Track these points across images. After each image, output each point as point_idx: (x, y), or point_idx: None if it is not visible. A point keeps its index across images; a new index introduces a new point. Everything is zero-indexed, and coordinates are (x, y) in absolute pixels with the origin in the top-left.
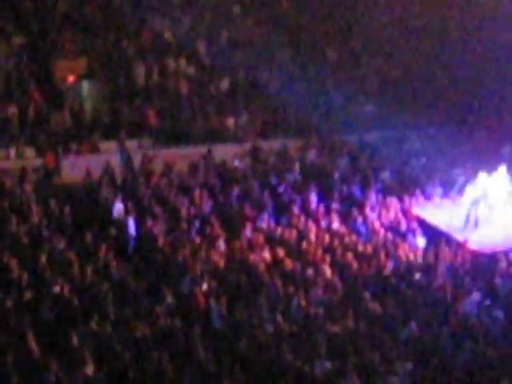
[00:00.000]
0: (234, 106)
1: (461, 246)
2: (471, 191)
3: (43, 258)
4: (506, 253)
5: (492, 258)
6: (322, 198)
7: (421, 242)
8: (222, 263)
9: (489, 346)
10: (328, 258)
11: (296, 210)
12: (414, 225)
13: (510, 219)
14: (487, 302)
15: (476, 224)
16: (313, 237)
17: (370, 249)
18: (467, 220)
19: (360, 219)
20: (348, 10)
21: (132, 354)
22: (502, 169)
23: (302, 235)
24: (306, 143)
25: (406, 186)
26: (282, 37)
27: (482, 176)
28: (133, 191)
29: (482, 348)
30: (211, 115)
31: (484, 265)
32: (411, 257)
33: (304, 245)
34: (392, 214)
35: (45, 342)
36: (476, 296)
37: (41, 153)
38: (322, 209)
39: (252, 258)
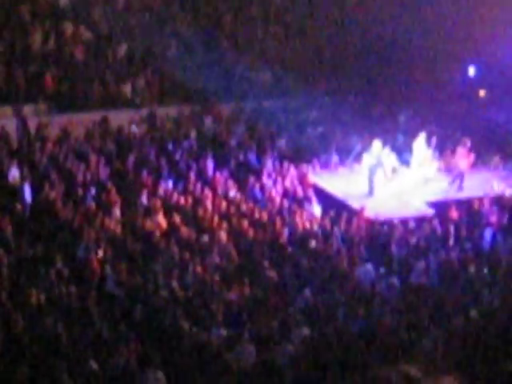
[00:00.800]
0: (131, 72)
1: (356, 213)
2: (367, 159)
3: None
4: (401, 221)
5: (387, 225)
6: (218, 165)
7: (317, 209)
8: (117, 230)
9: (384, 313)
10: (224, 225)
11: (192, 176)
12: (311, 192)
13: (405, 188)
14: (382, 270)
15: (371, 192)
16: (209, 204)
17: (266, 216)
18: (371, 187)
19: (256, 187)
20: None
21: (27, 321)
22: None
23: (199, 202)
24: (203, 110)
25: (302, 153)
26: (179, 3)
27: (377, 144)
28: (28, 157)
29: (377, 315)
30: (108, 81)
31: (379, 233)
32: (307, 224)
33: (200, 212)
34: (288, 182)
35: None
36: (370, 263)
37: None
38: (218, 176)
39: (148, 224)
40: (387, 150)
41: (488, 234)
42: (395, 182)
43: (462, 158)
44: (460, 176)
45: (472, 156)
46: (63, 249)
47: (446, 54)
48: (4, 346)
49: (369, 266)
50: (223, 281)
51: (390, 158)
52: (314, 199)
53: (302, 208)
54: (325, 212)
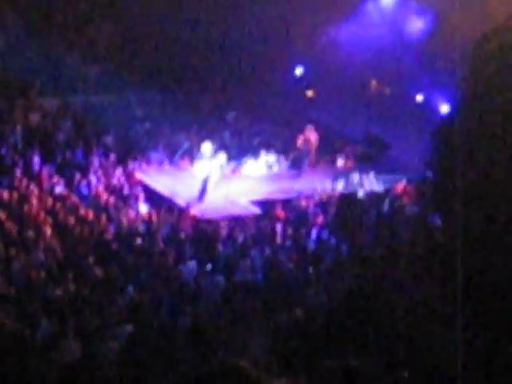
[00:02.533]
0: None
1: (183, 211)
2: (200, 162)
3: None
4: (226, 219)
5: (213, 224)
6: (45, 160)
7: (143, 206)
8: None
9: (209, 309)
10: (50, 221)
11: (18, 172)
12: (137, 189)
13: (231, 187)
14: (208, 268)
15: (201, 197)
16: (35, 199)
17: (91, 213)
18: (201, 194)
19: (83, 183)
20: None
21: None
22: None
23: (24, 198)
24: (29, 104)
25: (129, 150)
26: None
27: (206, 146)
28: None
29: (202, 312)
30: None
31: (205, 231)
32: (133, 221)
33: (26, 207)
34: (115, 179)
35: None
36: (195, 261)
37: None
38: (44, 172)
39: None
40: (219, 153)
41: (314, 233)
42: (222, 181)
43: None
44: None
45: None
46: None
47: (273, 54)
48: None
49: (193, 264)
50: (48, 277)
51: (218, 158)
52: (141, 196)
53: (128, 205)
54: (151, 209)
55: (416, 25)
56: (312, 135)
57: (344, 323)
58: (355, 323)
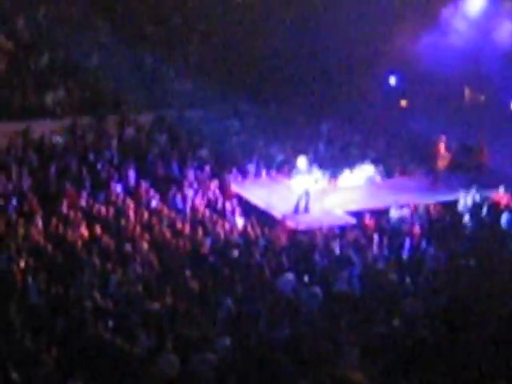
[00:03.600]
0: (52, 82)
1: (278, 223)
2: (297, 176)
3: None
4: (322, 230)
5: (309, 235)
6: (140, 175)
7: (239, 219)
8: (39, 240)
9: (307, 322)
10: (146, 235)
11: (114, 186)
12: (233, 202)
13: (327, 198)
14: (305, 279)
15: (306, 210)
16: (131, 214)
17: (188, 226)
18: (297, 207)
19: (178, 197)
20: None
21: None
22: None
23: (121, 212)
24: (125, 119)
25: (224, 163)
26: (101, 13)
27: (302, 160)
28: None
29: (300, 324)
30: (29, 91)
31: (301, 242)
32: (229, 234)
33: (122, 222)
34: (210, 192)
35: None
36: (293, 273)
37: None
38: (140, 186)
39: (70, 234)
40: (314, 165)
41: (408, 242)
42: (318, 193)
43: (440, 157)
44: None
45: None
46: None
47: (367, 64)
48: None
49: (290, 276)
50: (145, 290)
51: (314, 171)
52: (237, 209)
53: (224, 218)
54: (247, 222)
55: (507, 28)
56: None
57: (441, 334)
58: (452, 335)
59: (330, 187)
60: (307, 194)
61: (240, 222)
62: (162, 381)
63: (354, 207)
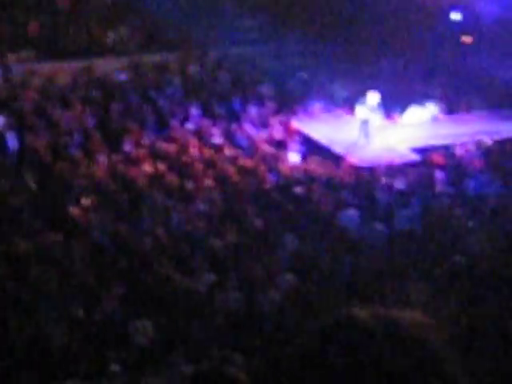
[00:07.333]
0: (116, 19)
1: (341, 159)
2: (359, 108)
3: None
4: (385, 167)
5: (371, 171)
6: (202, 111)
7: (302, 156)
8: (103, 178)
9: (369, 258)
10: (209, 172)
11: (176, 124)
12: (296, 139)
13: (390, 135)
14: (368, 216)
15: (368, 136)
16: (194, 150)
17: (251, 163)
18: (365, 135)
19: (240, 133)
20: None
21: (11, 269)
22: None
23: (183, 149)
24: (186, 56)
25: (286, 100)
26: None
27: (367, 92)
28: (13, 104)
29: (362, 260)
30: (92, 29)
31: (364, 178)
32: (292, 171)
33: (185, 158)
34: (273, 129)
35: None
36: (355, 209)
37: None
38: (203, 122)
39: (133, 172)
40: (376, 100)
41: (472, 179)
42: (381, 129)
43: None
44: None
45: None
46: (49, 197)
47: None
48: None
49: (353, 212)
50: (208, 228)
51: (375, 106)
52: (299, 145)
53: (286, 154)
54: (309, 158)
55: None
56: None
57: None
58: None
59: (393, 123)
60: (366, 124)
61: (302, 158)
62: (226, 318)
63: (418, 144)
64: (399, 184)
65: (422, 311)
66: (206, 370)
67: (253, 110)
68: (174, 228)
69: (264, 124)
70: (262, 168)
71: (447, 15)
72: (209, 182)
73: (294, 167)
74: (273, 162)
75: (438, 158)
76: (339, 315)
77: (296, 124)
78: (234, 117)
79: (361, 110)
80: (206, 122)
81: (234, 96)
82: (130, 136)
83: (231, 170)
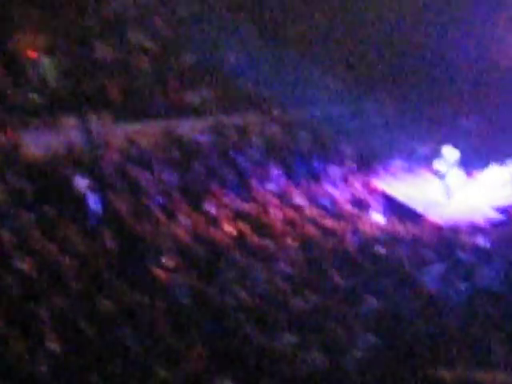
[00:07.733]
0: (196, 80)
1: (422, 218)
2: (437, 165)
3: (6, 235)
4: (467, 226)
5: (454, 231)
6: (283, 172)
7: (383, 215)
8: (185, 238)
9: (452, 318)
10: (291, 232)
11: (257, 184)
12: (376, 198)
13: (471, 194)
14: (450, 275)
15: (449, 195)
16: (275, 211)
17: (332, 223)
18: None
19: (321, 193)
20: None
21: (96, 330)
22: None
23: (264, 209)
24: (267, 117)
25: (367, 159)
26: (244, 11)
27: (447, 150)
28: (94, 166)
29: (445, 320)
30: (173, 90)
31: (446, 238)
32: (373, 230)
33: (266, 219)
34: (354, 188)
35: (8, 317)
36: (437, 268)
37: (1, 129)
38: (283, 182)
39: (215, 232)
40: (456, 159)
41: None
42: (462, 187)
43: None
44: None
45: None
46: (134, 257)
47: (496, 58)
48: (75, 352)
49: (435, 270)
50: (290, 287)
51: (455, 164)
52: (380, 205)
53: (368, 214)
54: (391, 217)
55: None
56: None
57: None
58: None
59: (473, 181)
60: (446, 180)
61: (383, 217)
62: (308, 379)
63: (501, 203)
64: (482, 242)
65: (505, 372)
66: None
67: (334, 170)
68: (255, 288)
69: (346, 184)
70: (344, 227)
71: None
72: (290, 241)
73: (375, 226)
74: (355, 222)
75: None
76: (426, 377)
77: (376, 183)
78: (315, 176)
79: (440, 166)
80: (286, 182)
81: (314, 155)
82: (211, 196)
83: (312, 229)
